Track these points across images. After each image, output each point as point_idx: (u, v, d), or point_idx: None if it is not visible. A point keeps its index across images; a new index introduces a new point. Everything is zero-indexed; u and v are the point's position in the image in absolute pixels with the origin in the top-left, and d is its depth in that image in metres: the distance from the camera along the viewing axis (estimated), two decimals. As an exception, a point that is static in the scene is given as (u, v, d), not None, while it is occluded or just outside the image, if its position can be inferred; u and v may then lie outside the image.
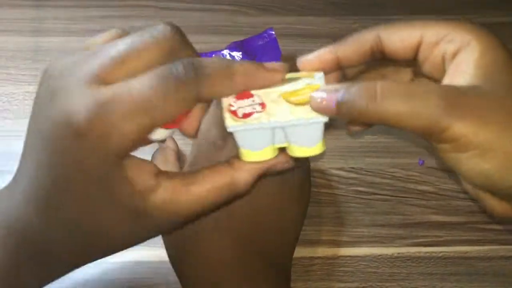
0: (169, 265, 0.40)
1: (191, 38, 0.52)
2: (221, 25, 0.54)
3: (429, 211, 0.44)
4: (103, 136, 0.23)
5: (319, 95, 0.26)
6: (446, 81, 0.27)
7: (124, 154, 0.25)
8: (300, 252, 0.41)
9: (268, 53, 0.47)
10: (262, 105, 0.27)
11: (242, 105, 0.27)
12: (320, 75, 0.27)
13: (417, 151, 0.46)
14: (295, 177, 0.36)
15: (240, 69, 0.25)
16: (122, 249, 0.29)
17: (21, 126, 0.46)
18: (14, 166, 0.44)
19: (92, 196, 0.25)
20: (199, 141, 0.34)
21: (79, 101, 0.23)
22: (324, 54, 0.29)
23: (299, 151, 0.28)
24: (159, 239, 0.41)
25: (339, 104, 0.25)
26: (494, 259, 0.42)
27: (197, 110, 0.27)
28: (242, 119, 0.27)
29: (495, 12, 0.55)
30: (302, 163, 0.37)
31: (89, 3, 0.54)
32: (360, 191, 0.44)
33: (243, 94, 0.27)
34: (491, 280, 0.41)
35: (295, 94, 0.27)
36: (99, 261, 0.40)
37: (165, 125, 0.26)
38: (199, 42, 0.50)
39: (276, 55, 0.47)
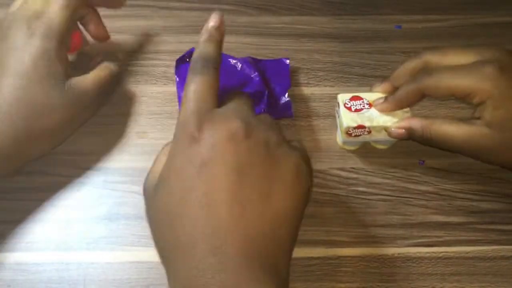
0: (169, 266, 0.40)
1: (191, 38, 0.52)
2: (221, 25, 0.53)
3: (429, 211, 0.44)
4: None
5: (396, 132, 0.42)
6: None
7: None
8: (299, 252, 0.41)
9: (280, 83, 0.48)
10: (370, 105, 0.43)
11: (355, 104, 0.43)
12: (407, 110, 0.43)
13: (418, 151, 0.46)
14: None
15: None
16: (59, 130, 0.41)
17: (21, 126, 0.46)
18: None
19: (32, 72, 0.39)
20: (176, 133, 0.33)
21: None
22: (386, 86, 0.44)
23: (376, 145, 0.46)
24: (158, 239, 0.41)
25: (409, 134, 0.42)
26: (494, 259, 0.42)
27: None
28: (355, 112, 0.43)
29: (495, 12, 0.55)
30: (302, 151, 0.34)
31: (88, 3, 0.54)
32: (361, 191, 0.44)
33: (355, 97, 0.44)
34: (491, 280, 0.41)
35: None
36: (99, 261, 0.40)
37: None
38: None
39: (287, 84, 0.48)
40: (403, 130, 0.42)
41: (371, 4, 0.56)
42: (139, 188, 0.44)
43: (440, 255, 0.42)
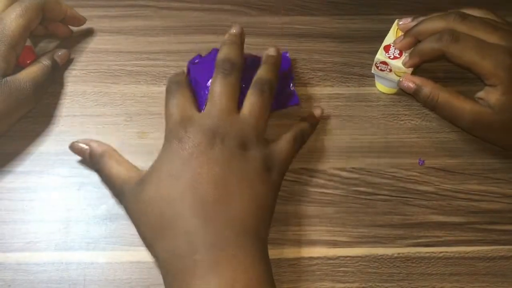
0: (169, 266, 0.40)
1: (191, 38, 0.52)
2: (221, 25, 0.53)
3: (429, 211, 0.44)
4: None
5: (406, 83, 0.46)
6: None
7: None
8: (300, 252, 0.41)
9: (282, 78, 0.48)
10: (400, 53, 0.47)
11: (393, 52, 0.47)
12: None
13: (417, 151, 0.46)
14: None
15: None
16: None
17: (16, 127, 0.46)
18: (14, 166, 0.44)
19: None
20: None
21: None
22: (407, 41, 0.46)
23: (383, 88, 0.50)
24: (158, 240, 0.41)
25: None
26: (494, 259, 0.42)
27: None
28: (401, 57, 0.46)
29: (496, 12, 0.55)
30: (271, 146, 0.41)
31: (88, 3, 0.54)
32: (361, 191, 0.44)
33: (386, 47, 0.47)
34: (491, 280, 0.41)
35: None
36: (99, 261, 0.40)
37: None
38: (198, 42, 0.51)
39: (290, 77, 0.48)
40: (414, 84, 0.45)
41: (371, 4, 0.56)
42: (139, 188, 0.44)
43: (440, 255, 0.42)
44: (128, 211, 0.40)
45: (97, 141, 0.43)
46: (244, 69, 0.44)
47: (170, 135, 0.39)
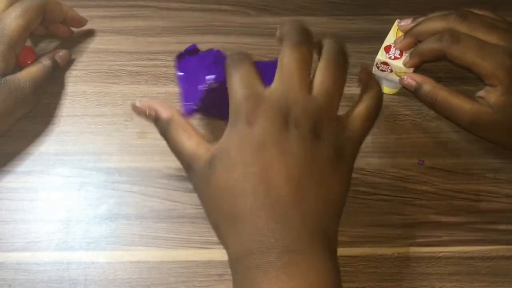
0: (169, 265, 0.41)
1: (191, 38, 0.52)
2: (221, 25, 0.54)
3: (429, 211, 0.44)
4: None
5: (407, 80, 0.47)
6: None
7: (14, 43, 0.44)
8: (300, 252, 0.41)
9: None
10: (400, 53, 0.47)
11: (394, 52, 0.47)
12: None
13: (417, 151, 0.46)
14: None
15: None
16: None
17: (16, 127, 0.46)
18: (14, 166, 0.44)
19: None
20: (231, 119, 0.36)
21: None
22: (408, 41, 0.47)
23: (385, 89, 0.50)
24: (159, 241, 0.41)
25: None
26: (494, 259, 0.42)
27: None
28: (402, 57, 0.47)
29: (495, 12, 0.55)
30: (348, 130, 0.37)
31: (89, 3, 0.54)
32: (360, 191, 0.44)
33: (387, 48, 0.48)
34: (491, 280, 0.41)
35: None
36: (99, 261, 0.40)
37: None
38: (198, 42, 0.50)
39: None
40: (414, 82, 0.46)
41: (371, 4, 0.56)
42: (139, 188, 0.44)
43: (440, 255, 0.42)
44: (197, 191, 0.37)
45: (160, 105, 0.39)
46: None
47: (236, 116, 0.35)
